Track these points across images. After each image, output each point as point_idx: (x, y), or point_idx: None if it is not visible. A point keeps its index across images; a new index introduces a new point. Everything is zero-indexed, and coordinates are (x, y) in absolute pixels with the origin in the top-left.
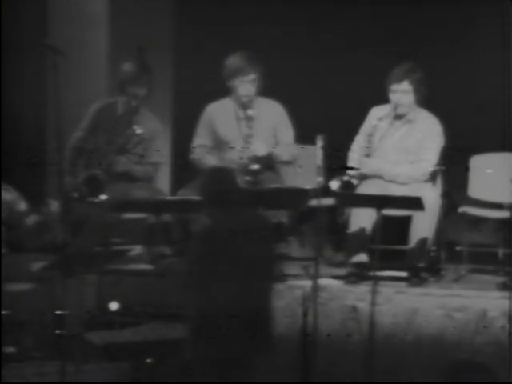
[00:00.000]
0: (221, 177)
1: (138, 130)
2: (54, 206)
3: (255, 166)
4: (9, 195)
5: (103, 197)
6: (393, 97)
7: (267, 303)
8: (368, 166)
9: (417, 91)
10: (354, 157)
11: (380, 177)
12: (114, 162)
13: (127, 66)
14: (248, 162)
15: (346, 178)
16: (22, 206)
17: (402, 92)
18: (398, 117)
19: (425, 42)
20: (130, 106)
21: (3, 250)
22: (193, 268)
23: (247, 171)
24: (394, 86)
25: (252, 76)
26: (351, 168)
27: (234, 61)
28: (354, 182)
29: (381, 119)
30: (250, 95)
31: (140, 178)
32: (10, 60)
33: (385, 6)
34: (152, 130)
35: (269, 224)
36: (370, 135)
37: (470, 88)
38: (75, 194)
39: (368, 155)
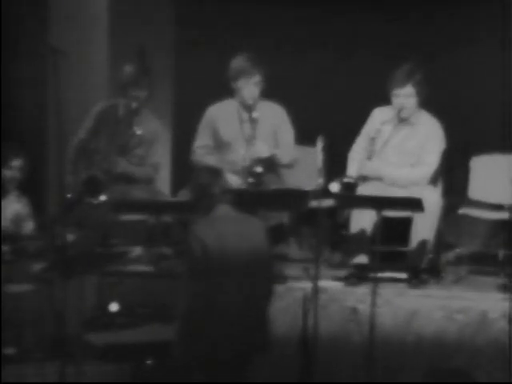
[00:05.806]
0: (208, 177)
1: (139, 132)
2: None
3: (259, 169)
4: (23, 210)
5: (103, 198)
6: (396, 101)
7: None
8: (369, 169)
9: (419, 93)
10: (355, 158)
11: (380, 179)
12: (115, 164)
13: (128, 69)
14: (251, 164)
15: (346, 180)
16: (30, 224)
17: (405, 96)
18: (401, 120)
19: (425, 41)
20: (130, 107)
21: (9, 258)
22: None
23: (250, 173)
24: (397, 91)
25: (257, 78)
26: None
27: (238, 62)
28: (354, 183)
29: (384, 123)
30: (255, 97)
31: (140, 180)
32: (11, 61)
33: (384, 6)
34: (153, 132)
35: (264, 226)
36: (373, 139)
37: (470, 88)
38: (76, 195)
39: (369, 158)
